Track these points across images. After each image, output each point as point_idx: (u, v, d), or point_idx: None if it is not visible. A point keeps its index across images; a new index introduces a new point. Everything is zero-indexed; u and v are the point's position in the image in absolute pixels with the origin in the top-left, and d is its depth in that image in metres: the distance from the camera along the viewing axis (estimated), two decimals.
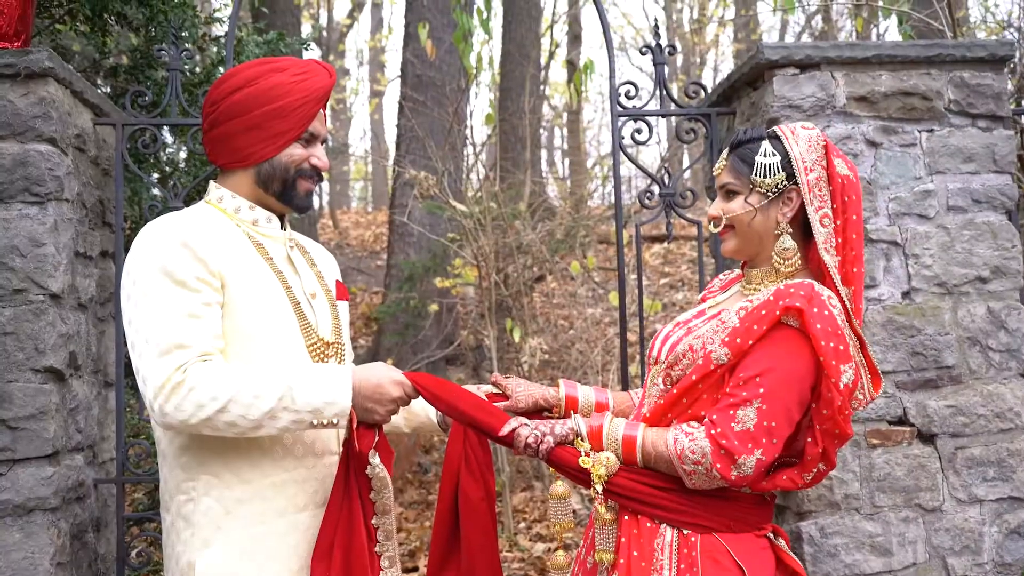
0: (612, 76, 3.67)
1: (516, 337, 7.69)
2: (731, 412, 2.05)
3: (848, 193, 2.20)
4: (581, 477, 2.15)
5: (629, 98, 3.61)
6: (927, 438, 3.24)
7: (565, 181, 14.91)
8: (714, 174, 2.37)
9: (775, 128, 2.27)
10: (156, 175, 4.41)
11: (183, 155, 4.78)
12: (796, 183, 2.22)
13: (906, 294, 3.28)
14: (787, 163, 2.22)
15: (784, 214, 2.24)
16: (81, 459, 3.21)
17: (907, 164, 3.34)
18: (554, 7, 17.08)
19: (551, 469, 2.23)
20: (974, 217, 3.33)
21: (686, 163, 9.14)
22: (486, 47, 9.65)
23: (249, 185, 2.31)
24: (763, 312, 2.09)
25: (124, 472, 3.34)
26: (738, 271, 2.45)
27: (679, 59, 20.45)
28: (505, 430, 2.16)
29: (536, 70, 12.17)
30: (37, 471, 2.93)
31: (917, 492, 3.20)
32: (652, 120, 3.63)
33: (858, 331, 2.16)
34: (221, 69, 4.44)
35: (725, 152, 2.34)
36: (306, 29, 18.77)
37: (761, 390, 2.04)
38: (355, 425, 2.12)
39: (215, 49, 4.94)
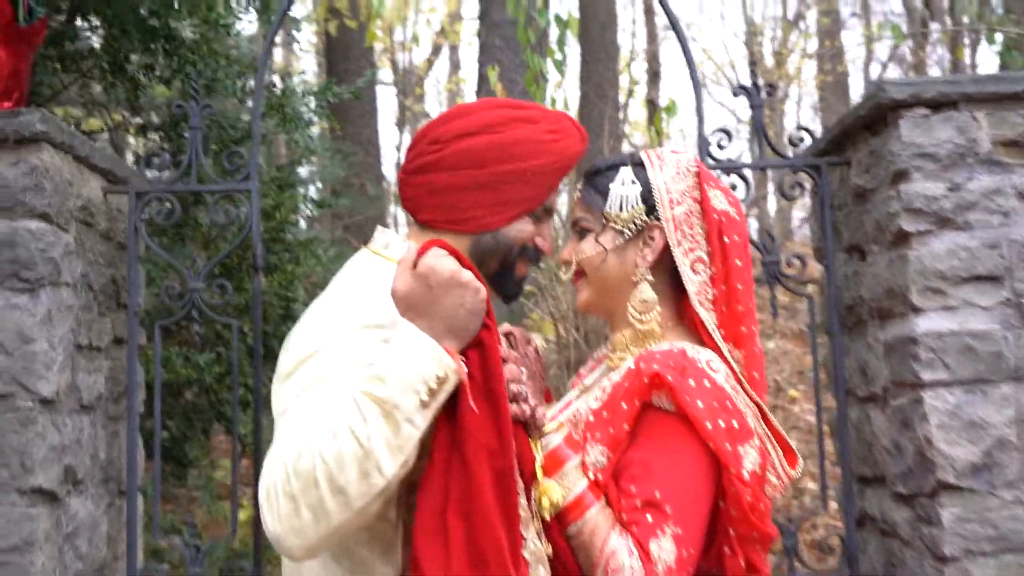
0: (700, 124, 3.11)
1: None
2: (647, 545, 1.61)
3: (728, 232, 1.82)
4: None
5: (721, 148, 3.06)
6: None
7: None
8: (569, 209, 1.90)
9: (640, 153, 1.84)
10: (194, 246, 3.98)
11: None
12: (659, 218, 1.81)
13: None
14: (649, 194, 1.80)
15: (644, 256, 1.82)
16: None
17: None
18: (632, 45, 16.67)
19: None
20: None
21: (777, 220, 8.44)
22: (560, 89, 9.21)
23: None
24: (626, 385, 1.71)
25: None
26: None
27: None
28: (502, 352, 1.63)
29: (614, 110, 11.71)
30: None
31: None
32: (748, 172, 3.09)
33: (755, 396, 1.75)
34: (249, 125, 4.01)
35: (582, 181, 1.90)
36: (386, 74, 18.64)
37: (668, 509, 1.63)
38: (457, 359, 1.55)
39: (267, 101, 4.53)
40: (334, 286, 1.80)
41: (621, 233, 1.83)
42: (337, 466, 1.43)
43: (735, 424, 1.65)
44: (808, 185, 3.13)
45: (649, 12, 15.42)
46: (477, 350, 1.60)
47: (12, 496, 2.49)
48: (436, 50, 22.97)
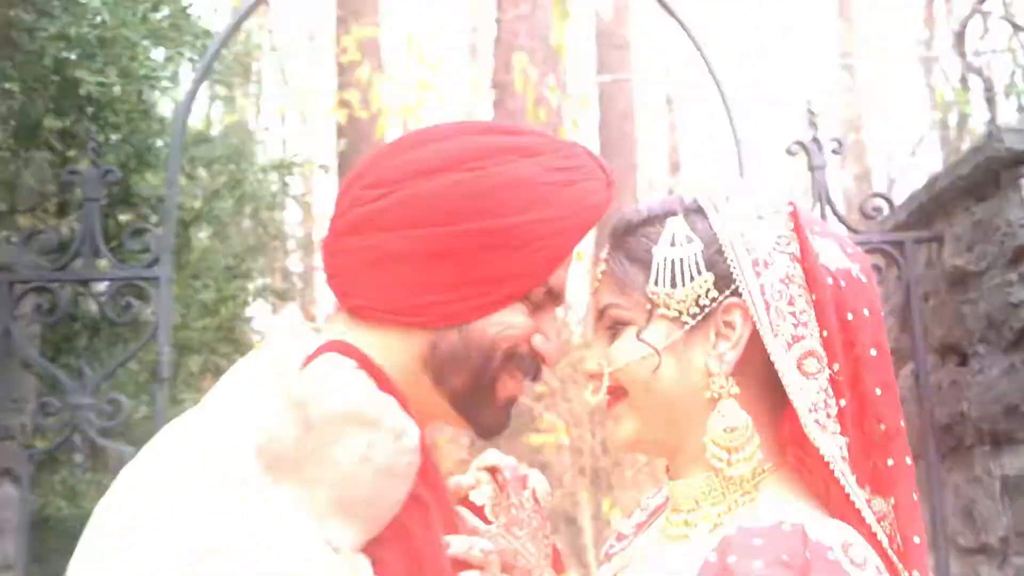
0: None
1: (614, 519, 6.75)
2: None
3: (853, 304, 1.11)
4: None
5: None
6: None
7: None
8: (590, 293, 1.28)
9: (697, 196, 1.18)
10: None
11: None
12: (738, 292, 1.11)
13: None
14: (717, 254, 1.12)
15: (720, 356, 1.11)
16: None
17: None
18: (652, 136, 16.40)
19: None
20: None
21: None
22: None
23: (405, 362, 1.11)
24: None
25: None
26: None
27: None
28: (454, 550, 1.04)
29: (634, 201, 11.34)
30: None
31: None
32: None
33: None
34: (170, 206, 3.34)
35: (606, 249, 1.22)
36: None
37: None
38: None
39: (222, 177, 3.89)
40: (184, 418, 1.09)
41: (678, 321, 1.11)
42: None
43: None
44: (888, 267, 2.44)
45: (669, 102, 15.18)
46: (399, 545, 0.91)
47: None
48: None
